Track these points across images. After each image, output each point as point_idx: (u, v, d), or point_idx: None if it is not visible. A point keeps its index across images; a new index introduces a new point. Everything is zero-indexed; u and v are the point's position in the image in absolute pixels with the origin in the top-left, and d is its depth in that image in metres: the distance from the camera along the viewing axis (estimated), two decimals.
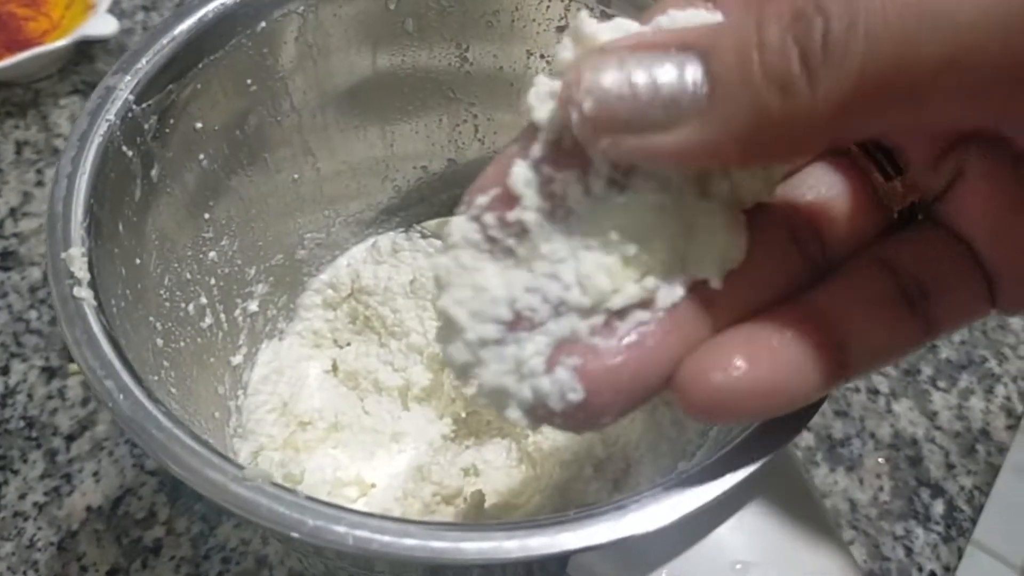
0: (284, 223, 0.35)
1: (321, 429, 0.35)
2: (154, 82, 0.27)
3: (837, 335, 0.16)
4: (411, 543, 0.19)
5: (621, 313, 0.16)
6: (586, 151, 0.15)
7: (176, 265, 0.29)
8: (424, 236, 0.39)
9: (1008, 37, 0.12)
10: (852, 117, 0.13)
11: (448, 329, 0.16)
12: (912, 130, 0.14)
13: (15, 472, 0.39)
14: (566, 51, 0.15)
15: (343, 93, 0.34)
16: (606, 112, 0.14)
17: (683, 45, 0.14)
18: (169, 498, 0.38)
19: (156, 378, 0.26)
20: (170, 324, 0.29)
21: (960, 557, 0.38)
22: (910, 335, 0.17)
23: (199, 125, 0.29)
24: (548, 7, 0.32)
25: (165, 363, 0.27)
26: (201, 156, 0.30)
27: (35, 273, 0.46)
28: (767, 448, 0.20)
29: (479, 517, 0.32)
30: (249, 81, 0.30)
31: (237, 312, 0.34)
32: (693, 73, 0.14)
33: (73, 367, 0.42)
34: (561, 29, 0.33)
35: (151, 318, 0.27)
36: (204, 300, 0.31)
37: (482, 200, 0.16)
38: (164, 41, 0.27)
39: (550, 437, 0.34)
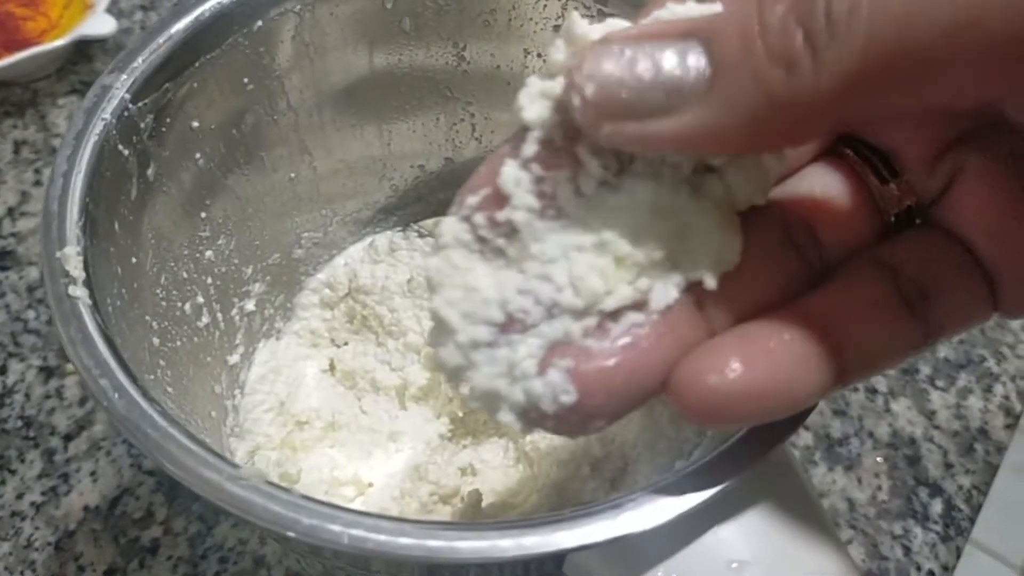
0: (281, 222, 0.35)
1: (318, 428, 0.35)
2: (150, 81, 0.27)
3: (835, 338, 0.16)
4: (407, 542, 0.19)
5: (615, 315, 0.16)
6: (577, 152, 0.15)
7: (172, 264, 0.29)
8: (421, 235, 0.39)
9: (1008, 12, 0.12)
10: (857, 96, 0.13)
11: (440, 331, 0.16)
12: (917, 112, 0.14)
13: (12, 472, 0.39)
14: (558, 52, 0.15)
15: (340, 92, 0.34)
16: (608, 96, 0.14)
17: (685, 32, 0.14)
18: (167, 498, 0.38)
19: (152, 377, 0.26)
20: (166, 323, 0.29)
21: (958, 556, 0.38)
22: (910, 338, 0.17)
23: (195, 124, 0.29)
24: (545, 6, 0.32)
25: (161, 362, 0.27)
26: (197, 155, 0.30)
27: (33, 273, 0.46)
28: (763, 447, 0.20)
29: (476, 516, 0.32)
30: (246, 80, 0.30)
31: (234, 311, 0.34)
32: (695, 57, 0.14)
33: (71, 367, 0.42)
34: (558, 28, 0.33)
35: (147, 317, 0.27)
36: (201, 299, 0.31)
37: (472, 200, 0.16)
38: (160, 40, 0.27)
39: (547, 436, 0.34)
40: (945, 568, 0.38)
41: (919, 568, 0.38)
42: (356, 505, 0.33)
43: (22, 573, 0.36)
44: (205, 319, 0.32)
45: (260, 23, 0.30)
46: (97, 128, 0.25)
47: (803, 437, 0.42)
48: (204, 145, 0.30)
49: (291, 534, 0.19)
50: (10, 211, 0.48)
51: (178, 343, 0.29)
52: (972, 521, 0.39)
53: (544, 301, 0.16)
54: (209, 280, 0.32)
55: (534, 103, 0.15)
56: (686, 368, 0.16)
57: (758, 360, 0.15)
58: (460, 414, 0.35)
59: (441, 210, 0.39)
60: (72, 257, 0.23)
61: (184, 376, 0.29)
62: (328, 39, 0.32)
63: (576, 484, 0.32)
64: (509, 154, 0.16)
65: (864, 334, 0.17)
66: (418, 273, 0.37)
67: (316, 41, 0.32)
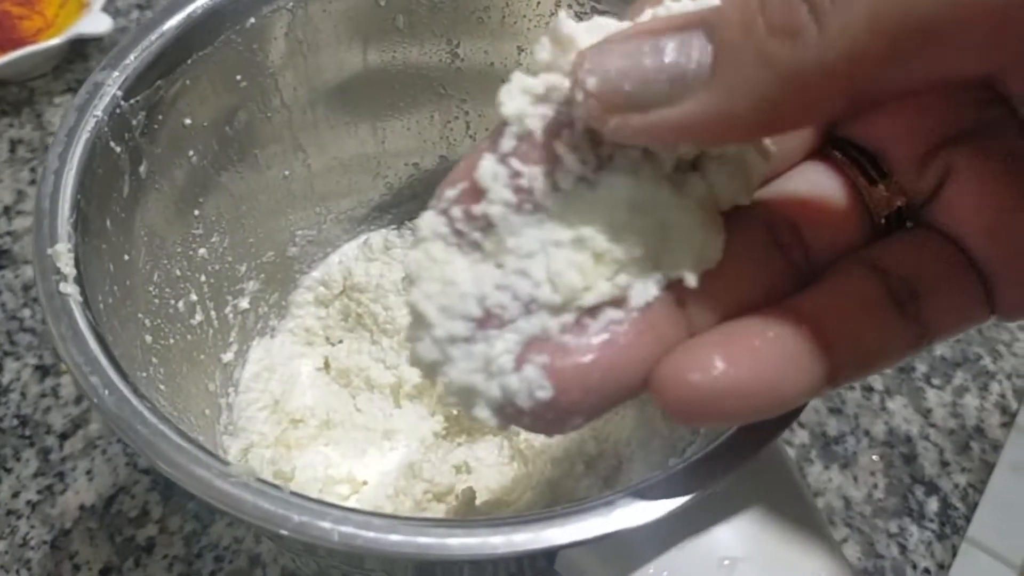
0: (275, 220, 0.35)
1: (313, 427, 0.35)
2: (142, 78, 0.27)
3: (825, 337, 0.16)
4: (397, 539, 0.19)
5: (593, 311, 0.16)
6: (555, 147, 0.15)
7: (165, 262, 0.29)
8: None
9: None
10: (864, 65, 0.13)
11: (417, 325, 0.16)
12: (922, 86, 0.13)
13: (8, 470, 0.39)
14: (543, 51, 0.16)
15: (333, 89, 0.34)
16: (611, 89, 0.14)
17: (686, 23, 0.14)
18: (162, 496, 0.38)
19: (144, 375, 0.26)
20: (159, 321, 0.29)
21: (954, 555, 0.38)
22: (902, 339, 0.17)
23: (188, 121, 0.29)
24: (539, 3, 0.32)
25: (154, 360, 0.27)
26: (190, 152, 0.30)
27: (29, 272, 0.46)
28: (755, 445, 0.20)
29: (470, 514, 0.32)
30: (238, 77, 0.30)
31: (228, 309, 0.34)
32: (697, 44, 0.14)
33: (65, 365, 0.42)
34: None
35: (140, 314, 0.27)
36: (194, 297, 0.31)
37: (451, 193, 0.16)
38: (152, 37, 0.27)
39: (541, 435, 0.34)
40: (941, 566, 0.38)
41: (915, 566, 0.38)
42: (351, 503, 0.33)
43: (18, 572, 0.36)
44: (199, 317, 0.32)
45: (253, 20, 0.29)
46: (89, 125, 0.25)
47: (799, 435, 0.42)
48: (197, 142, 0.30)
49: (281, 531, 0.19)
50: (6, 210, 0.48)
51: (171, 341, 0.29)
52: (968, 519, 0.39)
53: (522, 296, 0.15)
54: (203, 278, 0.32)
55: (513, 98, 0.15)
56: (668, 366, 0.15)
57: (742, 358, 0.15)
58: (455, 412, 0.35)
59: None
60: (63, 254, 0.23)
61: (177, 374, 0.29)
62: (321, 36, 0.32)
63: (570, 482, 0.32)
64: (487, 148, 0.16)
65: (853, 334, 0.16)
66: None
67: (309, 38, 0.32)
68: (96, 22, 0.53)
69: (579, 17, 0.31)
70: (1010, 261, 0.17)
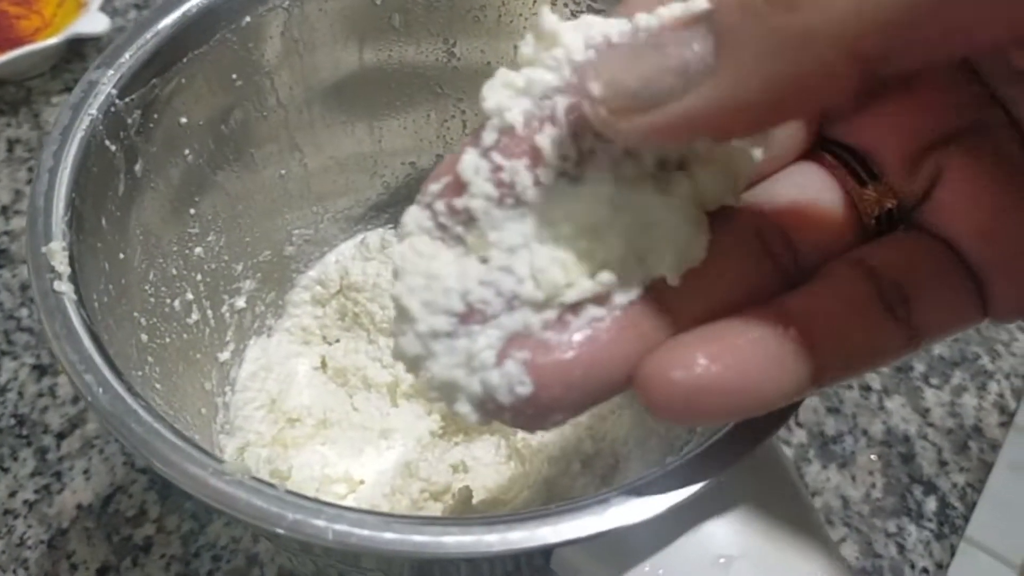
0: (272, 219, 0.35)
1: (309, 426, 0.35)
2: (137, 76, 0.27)
3: (810, 337, 0.16)
4: (391, 537, 0.19)
5: (575, 308, 0.16)
6: (536, 141, 0.15)
7: (161, 261, 0.29)
8: None
9: None
10: (876, 26, 0.12)
11: (401, 319, 0.16)
12: (927, 56, 0.13)
13: (5, 470, 0.39)
14: (526, 46, 0.16)
15: (329, 88, 0.34)
16: (616, 91, 0.14)
17: (685, 21, 0.14)
18: (159, 496, 0.38)
19: (140, 373, 0.26)
20: (155, 320, 0.29)
21: (953, 554, 0.38)
22: (890, 340, 0.17)
23: (184, 120, 0.29)
24: (535, 1, 0.32)
25: (150, 359, 0.27)
26: (186, 151, 0.30)
27: (26, 271, 0.46)
28: (750, 443, 0.20)
29: (467, 513, 0.32)
30: (234, 76, 0.30)
31: (224, 308, 0.34)
32: (698, 35, 0.13)
33: None
34: None
35: (135, 313, 0.27)
36: (190, 296, 0.31)
37: (434, 187, 0.16)
38: (148, 36, 0.27)
39: (539, 433, 0.34)
40: (939, 566, 0.38)
41: (913, 566, 0.38)
42: (347, 502, 0.33)
43: (15, 571, 0.36)
44: (195, 316, 0.32)
45: (248, 19, 0.29)
46: (84, 123, 0.25)
47: (797, 434, 0.42)
48: (192, 141, 0.30)
49: (276, 529, 0.19)
50: (3, 209, 0.48)
51: (167, 340, 0.29)
52: (966, 519, 0.39)
53: (505, 292, 0.15)
54: (199, 277, 0.32)
55: (495, 92, 0.16)
56: (651, 363, 0.15)
57: (725, 357, 0.15)
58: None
59: None
60: (58, 252, 0.23)
61: (173, 373, 0.29)
62: (317, 35, 0.32)
63: (567, 480, 0.32)
64: (470, 143, 0.16)
65: (839, 335, 0.16)
66: None
67: (305, 37, 0.31)
68: (94, 22, 0.53)
69: (574, 15, 0.31)
70: (1003, 263, 0.17)
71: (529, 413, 0.16)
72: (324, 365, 0.38)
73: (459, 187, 0.16)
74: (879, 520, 0.39)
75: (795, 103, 0.13)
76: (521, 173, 0.15)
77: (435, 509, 0.32)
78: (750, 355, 0.15)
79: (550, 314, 0.16)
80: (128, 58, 0.27)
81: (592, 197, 0.15)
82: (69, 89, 0.54)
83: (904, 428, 0.42)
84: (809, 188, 0.18)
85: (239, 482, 0.19)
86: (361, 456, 0.35)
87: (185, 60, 0.28)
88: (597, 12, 0.17)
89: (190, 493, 0.20)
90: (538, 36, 0.15)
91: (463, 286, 0.15)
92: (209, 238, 0.32)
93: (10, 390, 0.41)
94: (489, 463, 0.33)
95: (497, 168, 0.16)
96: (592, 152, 0.16)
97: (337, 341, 0.38)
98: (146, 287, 0.28)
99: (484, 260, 0.16)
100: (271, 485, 0.20)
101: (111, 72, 0.26)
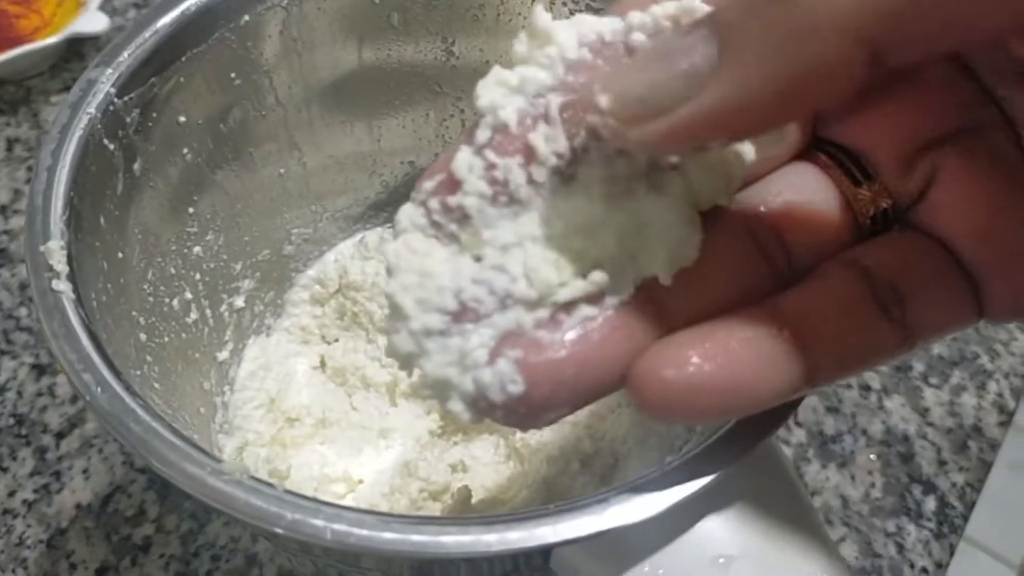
0: (270, 218, 0.35)
1: (308, 425, 0.35)
2: (136, 75, 0.27)
3: (801, 338, 0.16)
4: (390, 536, 0.19)
5: (568, 307, 0.16)
6: (529, 139, 0.15)
7: (160, 260, 0.29)
8: None
9: None
10: (878, 18, 0.12)
11: (394, 316, 0.16)
12: (932, 46, 0.13)
13: (4, 470, 0.39)
14: (521, 45, 0.16)
15: (328, 87, 0.33)
16: (625, 101, 0.14)
17: (687, 26, 0.14)
18: (159, 496, 0.38)
19: (139, 373, 0.26)
20: (154, 319, 0.29)
21: (952, 554, 0.38)
22: (885, 341, 0.17)
23: (182, 119, 0.29)
24: (533, 0, 0.32)
25: (148, 358, 0.27)
26: (185, 150, 0.30)
27: (25, 270, 0.46)
28: (749, 442, 0.20)
29: (466, 513, 0.31)
30: (233, 75, 0.30)
31: (223, 307, 0.34)
32: (701, 37, 0.13)
33: None
34: None
35: (134, 312, 0.27)
36: (189, 295, 0.31)
37: (429, 185, 0.16)
38: (146, 34, 0.27)
39: (538, 433, 0.34)
40: (938, 565, 0.38)
41: (912, 565, 0.38)
42: (346, 502, 0.33)
43: (14, 571, 0.36)
44: (193, 315, 0.32)
45: (247, 17, 0.29)
46: (82, 122, 0.25)
47: (796, 434, 0.41)
48: (191, 140, 0.30)
49: (274, 529, 0.19)
50: (3, 209, 0.48)
51: (166, 339, 0.29)
52: (966, 518, 0.39)
53: (498, 291, 0.16)
54: (197, 276, 0.32)
55: (489, 90, 0.16)
56: (644, 362, 0.15)
57: (717, 356, 0.15)
58: None
59: None
60: (56, 251, 0.23)
61: (172, 372, 0.29)
62: (316, 34, 0.32)
63: (566, 480, 0.32)
64: (465, 140, 0.16)
65: (833, 335, 0.16)
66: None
67: (303, 36, 0.31)
68: (93, 21, 0.53)
69: (571, 13, 0.31)
70: (999, 263, 0.17)
71: (521, 412, 0.16)
72: (323, 364, 0.38)
73: (453, 185, 0.16)
74: (878, 520, 0.39)
75: (801, 99, 0.13)
76: (514, 171, 0.16)
77: (434, 509, 0.32)
78: (742, 354, 0.15)
79: (543, 313, 0.16)
80: (127, 57, 0.27)
81: (585, 196, 0.16)
82: (68, 88, 0.54)
83: (903, 428, 0.42)
84: (804, 188, 0.18)
85: (238, 481, 0.19)
86: (360, 456, 0.34)
87: (184, 59, 0.28)
88: (596, 11, 0.17)
89: (189, 493, 0.19)
90: (531, 34, 0.16)
91: (456, 284, 0.16)
92: (208, 237, 0.32)
93: (9, 389, 0.41)
94: (488, 463, 0.33)
95: (491, 166, 0.16)
96: (585, 150, 0.16)
97: (336, 340, 0.38)
98: (145, 286, 0.28)
99: (478, 258, 0.16)
100: (270, 485, 0.20)
101: (110, 71, 0.26)
